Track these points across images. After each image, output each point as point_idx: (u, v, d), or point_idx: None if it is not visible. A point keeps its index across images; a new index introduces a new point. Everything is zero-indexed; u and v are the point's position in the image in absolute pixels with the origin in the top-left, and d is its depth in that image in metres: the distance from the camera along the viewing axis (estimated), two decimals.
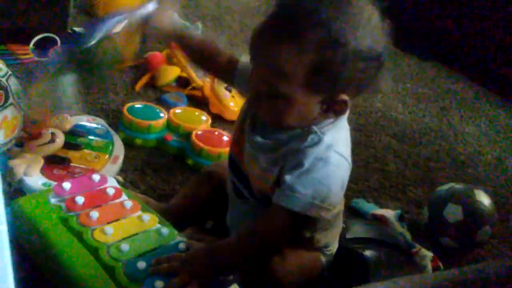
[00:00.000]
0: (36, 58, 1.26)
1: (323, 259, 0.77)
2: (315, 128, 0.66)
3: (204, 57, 0.80)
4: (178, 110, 1.13)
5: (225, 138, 1.07)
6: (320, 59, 0.61)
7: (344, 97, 0.65)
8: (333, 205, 0.68)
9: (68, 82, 0.76)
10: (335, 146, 0.66)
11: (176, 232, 0.72)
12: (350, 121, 0.71)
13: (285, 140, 0.68)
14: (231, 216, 0.80)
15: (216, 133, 1.09)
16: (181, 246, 0.68)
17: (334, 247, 0.79)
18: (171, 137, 1.06)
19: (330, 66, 0.62)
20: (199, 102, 1.27)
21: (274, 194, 0.66)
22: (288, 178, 0.65)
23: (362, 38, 0.62)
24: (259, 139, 0.69)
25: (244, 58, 0.76)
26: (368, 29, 0.62)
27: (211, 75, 0.91)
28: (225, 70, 0.78)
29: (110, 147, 0.96)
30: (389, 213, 0.97)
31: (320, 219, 0.68)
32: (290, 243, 0.71)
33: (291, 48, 0.61)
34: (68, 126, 0.97)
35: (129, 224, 0.71)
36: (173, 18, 0.76)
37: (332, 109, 0.66)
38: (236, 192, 0.76)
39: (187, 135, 1.06)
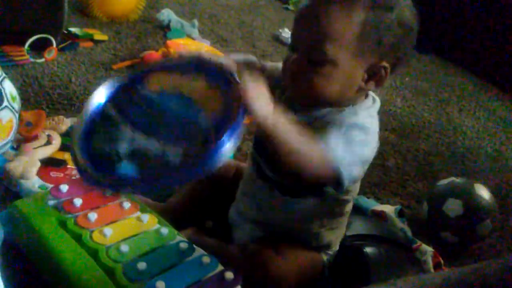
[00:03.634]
0: (31, 60, 1.25)
1: (325, 258, 0.77)
2: (352, 105, 0.67)
3: None
4: None
5: None
6: (370, 20, 0.63)
7: (386, 64, 0.66)
8: (355, 173, 0.66)
9: None
10: (371, 122, 0.67)
11: (176, 232, 0.71)
12: None
13: (319, 116, 0.68)
14: (240, 208, 0.79)
15: None
16: (182, 246, 0.68)
17: (336, 247, 0.79)
18: None
19: (378, 28, 0.63)
20: None
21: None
22: (330, 129, 0.64)
23: (404, 7, 0.65)
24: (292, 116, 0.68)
25: (268, 64, 0.77)
26: (408, 3, 0.67)
27: None
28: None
29: None
30: (389, 209, 0.97)
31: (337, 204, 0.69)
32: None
33: (342, 7, 0.62)
34: (64, 128, 0.96)
35: (128, 225, 0.71)
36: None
37: (374, 77, 0.66)
38: (258, 172, 0.75)
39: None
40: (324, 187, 0.71)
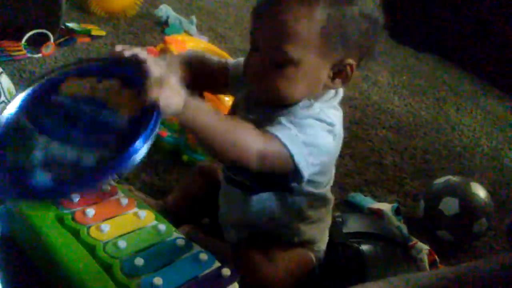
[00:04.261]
0: (28, 55, 1.25)
1: (313, 257, 0.76)
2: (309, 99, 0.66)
3: (202, 73, 0.74)
4: None
5: None
6: (331, 16, 0.61)
7: (351, 61, 0.65)
8: (317, 165, 0.65)
9: None
10: (327, 113, 0.66)
11: (173, 228, 0.71)
12: (346, 115, 0.71)
13: (279, 112, 0.66)
14: (222, 212, 0.79)
15: None
16: (179, 242, 0.68)
17: (322, 243, 0.78)
18: (166, 133, 1.06)
19: (341, 24, 0.62)
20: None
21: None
22: (278, 118, 0.63)
23: (366, 0, 0.64)
24: (251, 117, 0.67)
25: (231, 61, 0.75)
26: None
27: (209, 91, 0.86)
28: (218, 74, 0.75)
29: None
30: (386, 207, 0.97)
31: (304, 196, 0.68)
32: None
33: (301, 4, 0.60)
34: None
35: (125, 221, 0.71)
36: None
37: (339, 75, 0.65)
38: (227, 179, 0.75)
39: (181, 131, 1.05)
40: (286, 181, 0.69)
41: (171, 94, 0.53)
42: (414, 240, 0.89)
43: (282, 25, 0.60)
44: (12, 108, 0.61)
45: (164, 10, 1.66)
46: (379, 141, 1.32)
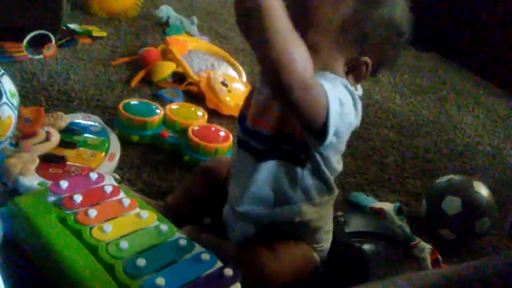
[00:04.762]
0: (30, 56, 1.25)
1: (316, 256, 0.76)
2: None
3: None
4: (174, 106, 1.13)
5: (222, 133, 1.07)
6: (356, 13, 0.61)
7: (368, 59, 0.65)
8: (338, 133, 0.64)
9: None
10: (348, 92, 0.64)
11: (175, 228, 0.71)
12: None
13: None
14: (230, 204, 0.78)
15: (213, 128, 1.08)
16: (181, 242, 0.68)
17: (325, 243, 0.78)
18: (167, 134, 1.06)
19: (363, 24, 0.62)
20: (195, 97, 1.26)
21: None
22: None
23: (396, 8, 0.64)
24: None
25: None
26: (401, 4, 0.64)
27: None
28: None
29: (106, 145, 0.96)
30: (388, 206, 0.97)
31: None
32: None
33: None
34: (63, 124, 0.96)
35: (127, 221, 0.71)
36: None
37: (354, 71, 0.65)
38: (241, 144, 0.75)
39: (183, 131, 1.05)
40: (302, 147, 0.68)
41: None
42: (417, 239, 0.89)
43: (307, 8, 0.61)
44: None
45: (165, 11, 1.66)
46: (380, 141, 1.32)
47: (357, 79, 0.67)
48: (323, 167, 0.71)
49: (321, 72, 0.65)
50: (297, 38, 0.56)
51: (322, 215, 0.77)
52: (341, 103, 0.62)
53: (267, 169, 0.72)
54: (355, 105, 0.66)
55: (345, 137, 0.69)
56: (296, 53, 0.55)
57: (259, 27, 0.53)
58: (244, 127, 0.74)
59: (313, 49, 0.62)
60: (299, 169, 0.71)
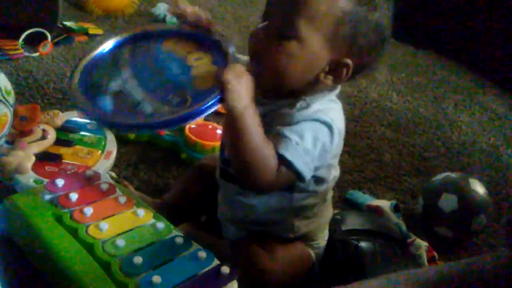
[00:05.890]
0: (26, 54, 1.24)
1: (312, 254, 0.76)
2: (305, 97, 0.66)
3: None
4: None
5: (219, 131, 1.06)
6: (352, 14, 0.61)
7: (349, 61, 0.64)
8: (320, 166, 0.66)
9: None
10: (325, 111, 0.65)
11: (172, 226, 0.71)
12: (344, 112, 0.71)
13: (275, 108, 0.67)
14: (219, 212, 0.79)
15: (210, 126, 1.08)
16: (178, 240, 0.68)
17: (321, 240, 0.78)
18: (164, 132, 1.06)
19: (356, 25, 0.62)
20: None
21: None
22: (277, 128, 0.64)
23: (384, 15, 0.64)
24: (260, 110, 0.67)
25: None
26: (388, 11, 0.65)
27: None
28: None
29: (103, 143, 0.96)
30: (384, 204, 0.97)
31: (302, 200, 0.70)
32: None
33: None
34: (59, 122, 0.96)
35: (124, 219, 0.71)
36: None
37: (334, 72, 0.65)
38: (223, 175, 0.75)
39: (180, 129, 1.05)
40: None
41: (242, 87, 0.57)
42: (413, 237, 0.89)
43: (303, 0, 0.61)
44: (120, 38, 0.70)
45: (162, 8, 1.66)
46: (377, 138, 1.32)
47: (335, 81, 0.66)
48: (314, 186, 0.71)
49: (285, 113, 0.65)
50: (268, 145, 0.60)
51: (317, 224, 0.77)
52: (307, 151, 0.63)
53: (254, 196, 0.72)
54: (329, 129, 0.65)
55: (331, 158, 0.69)
56: (267, 157, 0.60)
57: (236, 133, 0.59)
58: (223, 156, 0.74)
59: (298, 39, 0.62)
60: (287, 194, 0.71)
